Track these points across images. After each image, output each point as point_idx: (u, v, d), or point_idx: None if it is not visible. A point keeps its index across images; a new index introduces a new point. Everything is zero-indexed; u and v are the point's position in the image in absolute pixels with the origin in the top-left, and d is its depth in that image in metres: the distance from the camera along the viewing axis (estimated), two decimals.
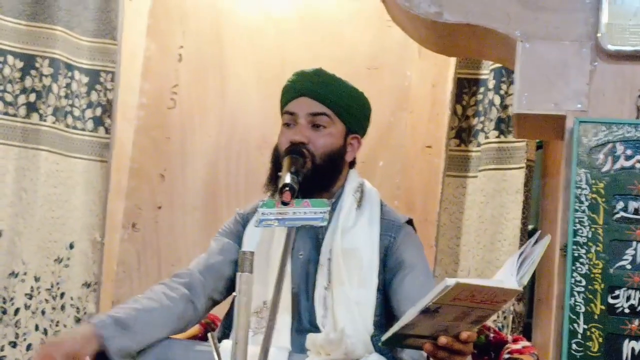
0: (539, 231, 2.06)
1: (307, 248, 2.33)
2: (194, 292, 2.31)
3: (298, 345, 2.21)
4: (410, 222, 2.43)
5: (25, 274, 3.11)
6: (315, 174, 2.29)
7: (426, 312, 1.82)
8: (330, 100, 2.36)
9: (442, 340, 1.87)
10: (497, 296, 1.85)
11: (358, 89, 2.44)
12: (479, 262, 3.01)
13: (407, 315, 1.87)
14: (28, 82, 3.13)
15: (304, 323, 2.27)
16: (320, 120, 2.35)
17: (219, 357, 1.78)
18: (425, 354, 2.02)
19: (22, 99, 3.13)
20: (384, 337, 1.94)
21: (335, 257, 2.27)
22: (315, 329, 2.23)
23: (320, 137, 2.34)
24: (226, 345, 2.10)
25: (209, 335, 1.83)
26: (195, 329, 2.53)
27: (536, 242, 1.95)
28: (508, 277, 1.85)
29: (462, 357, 1.92)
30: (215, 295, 2.36)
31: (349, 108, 2.39)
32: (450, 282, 1.77)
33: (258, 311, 2.23)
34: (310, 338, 2.13)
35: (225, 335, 2.32)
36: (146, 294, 2.27)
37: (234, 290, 2.36)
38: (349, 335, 2.13)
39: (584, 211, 2.23)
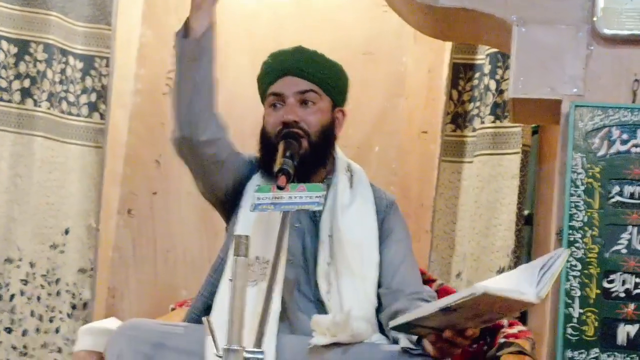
0: (563, 249, 2.04)
1: (304, 220, 2.33)
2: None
3: (300, 318, 2.22)
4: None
5: (20, 260, 3.11)
6: (313, 152, 2.30)
7: (446, 310, 1.85)
8: (316, 77, 2.36)
9: (447, 334, 1.92)
10: (514, 305, 1.88)
11: (336, 62, 2.45)
12: (475, 248, 3.01)
13: (426, 309, 1.91)
14: (22, 67, 3.13)
15: (307, 295, 2.28)
16: (309, 97, 2.35)
17: (215, 341, 1.77)
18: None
19: (16, 85, 3.12)
20: (395, 323, 1.98)
21: (336, 234, 2.28)
22: (320, 303, 2.25)
23: (310, 114, 2.34)
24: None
25: (203, 319, 1.83)
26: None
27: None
28: (527, 287, 1.83)
29: (459, 349, 1.97)
30: (224, 167, 2.35)
31: (333, 82, 2.40)
32: (479, 290, 1.78)
33: (250, 264, 2.22)
34: (315, 320, 2.13)
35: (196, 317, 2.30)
36: None
37: (224, 186, 2.36)
38: (355, 317, 2.13)
39: (579, 195, 2.23)
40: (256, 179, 2.37)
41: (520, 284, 1.85)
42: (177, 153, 2.34)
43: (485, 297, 1.79)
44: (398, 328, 2.02)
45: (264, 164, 2.35)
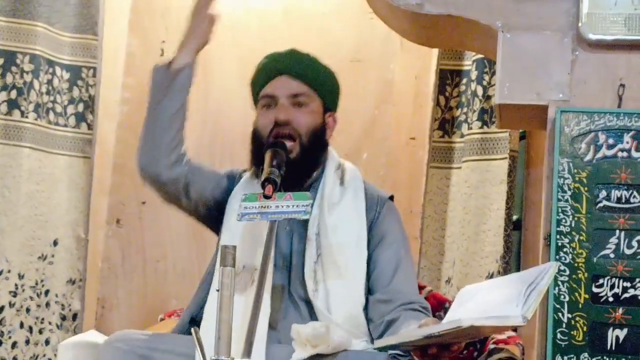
0: (552, 263, 2.03)
1: (294, 221, 2.33)
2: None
3: (289, 321, 2.21)
4: (391, 198, 2.46)
5: (9, 271, 3.09)
6: (304, 156, 2.32)
7: (430, 336, 1.86)
8: (309, 77, 2.39)
9: (433, 350, 1.92)
10: (501, 327, 1.90)
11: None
12: (464, 253, 3.01)
13: (410, 335, 1.92)
14: (9, 78, 3.12)
15: (296, 296, 2.28)
16: (302, 99, 2.37)
17: (203, 352, 1.77)
18: None
19: (3, 96, 3.11)
20: (379, 345, 1.98)
21: (323, 232, 2.29)
22: (306, 303, 2.25)
23: (302, 115, 2.36)
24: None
25: (192, 330, 1.82)
26: None
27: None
28: (513, 308, 1.82)
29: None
30: (192, 190, 2.38)
31: (325, 84, 2.43)
32: (465, 323, 1.79)
33: (237, 273, 2.21)
34: (295, 329, 2.12)
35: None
36: None
37: (202, 204, 2.39)
38: (335, 329, 2.13)
39: (567, 200, 2.23)
40: (240, 190, 2.37)
41: (506, 303, 1.83)
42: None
43: (472, 327, 1.80)
44: (384, 348, 2.03)
45: (256, 166, 2.36)
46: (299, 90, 2.37)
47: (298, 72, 2.38)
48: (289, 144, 2.31)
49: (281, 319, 2.24)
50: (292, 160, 2.26)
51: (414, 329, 2.00)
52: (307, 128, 2.34)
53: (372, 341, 2.25)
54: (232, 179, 2.44)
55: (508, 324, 1.82)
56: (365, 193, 2.39)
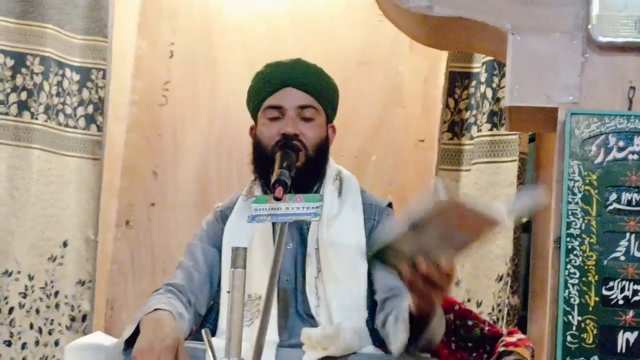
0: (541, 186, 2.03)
1: (295, 239, 2.33)
2: (190, 304, 2.32)
3: (294, 333, 2.21)
4: (390, 205, 2.44)
5: (19, 272, 3.10)
6: (308, 167, 2.29)
7: (415, 226, 1.81)
8: (316, 90, 2.35)
9: (422, 267, 1.83)
10: (483, 223, 1.85)
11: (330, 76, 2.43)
12: (473, 255, 3.00)
13: (394, 231, 1.86)
14: (19, 80, 3.13)
15: (299, 312, 2.27)
16: (309, 113, 2.33)
17: (213, 354, 1.77)
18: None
19: (13, 98, 3.12)
20: (373, 250, 1.91)
21: (323, 246, 2.27)
22: (311, 318, 2.24)
23: (309, 130, 2.32)
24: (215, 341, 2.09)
25: (202, 331, 1.83)
26: None
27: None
28: (499, 208, 1.85)
29: (439, 291, 1.89)
30: (200, 309, 2.35)
31: (329, 97, 2.39)
32: (442, 195, 1.77)
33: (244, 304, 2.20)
34: (305, 333, 2.12)
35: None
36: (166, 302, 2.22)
37: (213, 304, 2.37)
38: (345, 330, 2.13)
39: (577, 203, 2.22)
40: (233, 218, 2.37)
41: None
42: None
43: (453, 205, 1.78)
44: (376, 260, 1.95)
45: (260, 176, 2.34)
46: (306, 103, 2.33)
47: (305, 84, 2.34)
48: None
49: (288, 335, 2.23)
50: (297, 169, 2.22)
51: (395, 223, 1.93)
52: (313, 141, 2.32)
53: (376, 345, 2.25)
54: (221, 220, 2.40)
55: (492, 214, 1.81)
56: (363, 203, 2.37)
